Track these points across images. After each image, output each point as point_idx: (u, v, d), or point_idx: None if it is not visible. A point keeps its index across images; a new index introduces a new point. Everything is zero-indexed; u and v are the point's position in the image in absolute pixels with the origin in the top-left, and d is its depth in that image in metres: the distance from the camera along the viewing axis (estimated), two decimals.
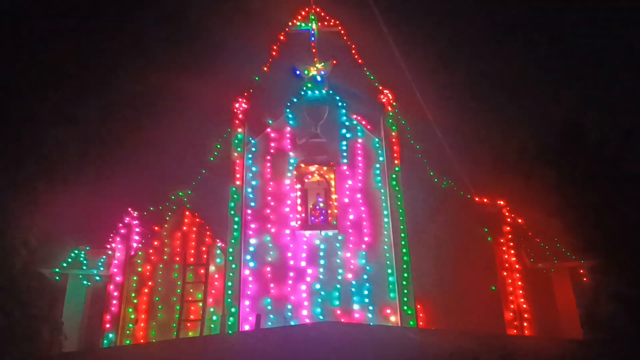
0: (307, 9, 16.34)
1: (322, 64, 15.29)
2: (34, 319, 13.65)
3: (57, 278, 13.90)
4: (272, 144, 14.54)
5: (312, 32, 16.03)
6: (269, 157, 14.43)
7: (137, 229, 14.10)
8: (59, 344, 13.19)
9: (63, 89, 17.74)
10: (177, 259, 13.92)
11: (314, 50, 15.71)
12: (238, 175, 14.02)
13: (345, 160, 14.33)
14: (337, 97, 14.87)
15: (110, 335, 12.95)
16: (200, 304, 13.49)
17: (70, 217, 15.43)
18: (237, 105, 14.62)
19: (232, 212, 13.69)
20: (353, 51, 15.80)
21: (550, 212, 14.41)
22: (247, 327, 12.85)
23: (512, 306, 13.25)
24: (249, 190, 14.17)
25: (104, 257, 14.10)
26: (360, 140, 14.55)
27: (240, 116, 14.54)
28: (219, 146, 14.76)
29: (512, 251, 13.65)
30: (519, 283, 13.44)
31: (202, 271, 13.83)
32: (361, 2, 17.35)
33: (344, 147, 14.45)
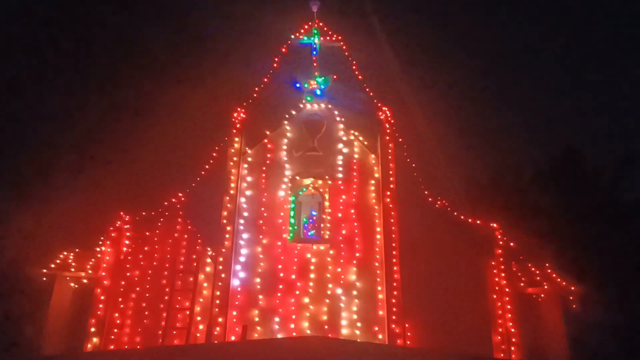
0: (310, 23, 16.41)
1: (323, 78, 15.34)
2: (18, 318, 13.55)
3: (44, 278, 13.78)
4: (268, 155, 14.55)
5: (314, 46, 16.10)
6: (264, 168, 14.42)
7: (128, 233, 13.99)
8: (41, 346, 13.07)
9: (60, 91, 17.79)
10: (167, 265, 13.83)
11: (315, 64, 15.76)
12: (232, 185, 13.97)
13: (340, 175, 14.35)
14: (336, 112, 14.92)
15: (95, 339, 12.79)
16: (187, 312, 13.37)
17: (61, 217, 15.39)
18: (235, 114, 14.61)
19: (225, 221, 13.62)
20: (354, 67, 15.86)
21: (543, 237, 14.50)
22: (233, 338, 12.76)
23: (500, 330, 13.18)
24: (243, 200, 14.13)
25: (92, 259, 13.99)
26: (356, 156, 14.57)
27: (238, 125, 14.53)
28: (214, 154, 14.73)
29: (503, 274, 13.61)
30: (509, 307, 13.38)
31: (191, 279, 13.72)
32: (365, 20, 17.50)
33: (340, 162, 14.47)
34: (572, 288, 13.66)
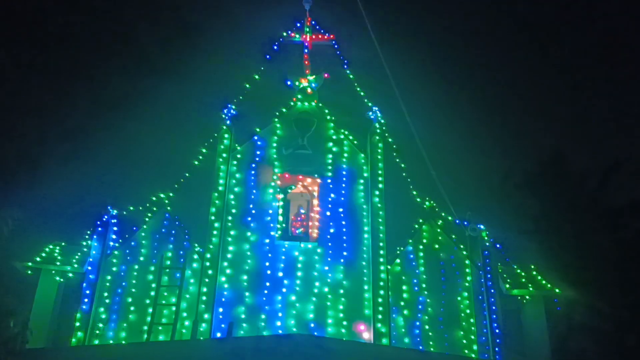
0: (302, 21, 16.40)
1: (314, 76, 15.34)
2: (2, 312, 13.41)
3: (29, 272, 13.68)
4: (258, 152, 14.53)
5: (306, 44, 16.09)
6: (253, 165, 14.40)
7: (115, 228, 13.91)
8: (25, 339, 12.95)
9: (49, 81, 17.60)
10: (154, 261, 13.77)
11: (306, 62, 15.75)
12: (221, 181, 13.95)
13: (329, 174, 14.35)
14: (326, 110, 14.93)
15: (80, 333, 12.72)
16: (174, 308, 13.33)
17: (47, 210, 15.25)
18: (225, 111, 14.59)
19: (213, 218, 13.60)
20: (345, 66, 15.87)
21: (528, 239, 14.59)
22: (219, 335, 12.74)
23: (484, 330, 13.28)
24: (231, 196, 14.10)
25: (78, 254, 13.90)
26: (345, 155, 14.59)
27: (228, 122, 14.51)
28: (204, 150, 14.69)
29: (489, 275, 13.70)
30: (493, 308, 13.48)
31: (178, 275, 13.68)
32: (357, 19, 17.51)
33: (329, 161, 14.47)
34: (557, 290, 13.79)
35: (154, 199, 14.22)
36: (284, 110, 14.90)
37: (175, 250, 13.88)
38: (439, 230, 14.24)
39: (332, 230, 13.87)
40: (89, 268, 13.33)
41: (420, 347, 12.98)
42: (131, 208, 14.15)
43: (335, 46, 16.24)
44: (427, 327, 13.26)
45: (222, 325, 12.83)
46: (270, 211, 14.02)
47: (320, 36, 16.31)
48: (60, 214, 15.32)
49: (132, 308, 13.33)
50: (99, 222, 13.73)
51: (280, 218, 14.06)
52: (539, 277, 14.05)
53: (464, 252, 13.99)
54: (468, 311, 13.52)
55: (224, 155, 14.20)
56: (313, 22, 16.40)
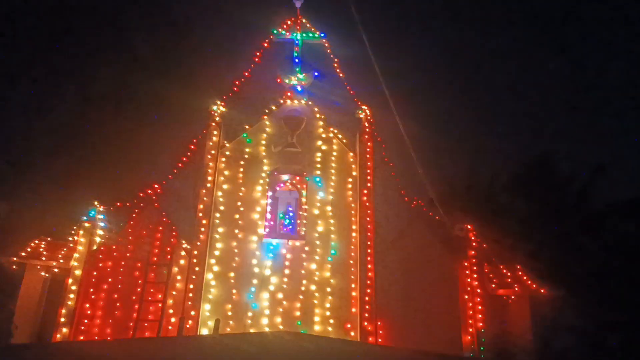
0: (292, 19, 16.38)
1: (304, 74, 15.35)
2: None
3: (15, 267, 13.57)
4: (247, 150, 14.51)
5: (296, 42, 16.07)
6: (242, 162, 14.38)
7: (102, 224, 13.83)
8: (9, 334, 12.87)
9: (38, 78, 17.47)
10: (140, 257, 13.69)
11: (296, 60, 15.74)
12: (210, 178, 13.93)
13: (318, 172, 14.36)
14: (316, 109, 14.94)
15: (64, 329, 12.64)
16: (160, 305, 13.28)
17: (33, 205, 15.16)
18: (214, 107, 14.56)
19: (200, 215, 13.58)
20: (335, 65, 15.88)
21: (515, 240, 14.75)
22: (205, 331, 12.72)
23: (470, 330, 13.36)
24: (219, 193, 14.08)
25: (64, 249, 13.81)
26: (334, 153, 14.60)
27: (217, 119, 14.49)
28: (192, 147, 14.64)
29: (475, 275, 13.79)
30: (479, 307, 13.57)
31: (165, 272, 13.63)
32: (348, 18, 17.54)
33: (318, 159, 14.49)
34: (542, 291, 13.92)
35: (141, 194, 14.15)
36: (273, 107, 14.89)
37: (162, 247, 13.82)
38: (426, 229, 14.28)
39: (320, 229, 13.90)
40: (75, 263, 13.24)
41: (407, 346, 13.02)
42: (118, 204, 14.06)
43: (326, 45, 16.23)
44: (413, 325, 13.30)
45: (209, 323, 12.82)
46: (259, 209, 14.02)
47: (311, 35, 16.28)
48: (46, 209, 15.22)
49: (118, 304, 13.26)
50: (85, 218, 13.65)
51: (269, 216, 14.05)
52: (525, 277, 14.16)
53: (451, 252, 14.04)
54: (454, 310, 13.57)
55: (213, 152, 14.17)
56: (303, 20, 16.37)
